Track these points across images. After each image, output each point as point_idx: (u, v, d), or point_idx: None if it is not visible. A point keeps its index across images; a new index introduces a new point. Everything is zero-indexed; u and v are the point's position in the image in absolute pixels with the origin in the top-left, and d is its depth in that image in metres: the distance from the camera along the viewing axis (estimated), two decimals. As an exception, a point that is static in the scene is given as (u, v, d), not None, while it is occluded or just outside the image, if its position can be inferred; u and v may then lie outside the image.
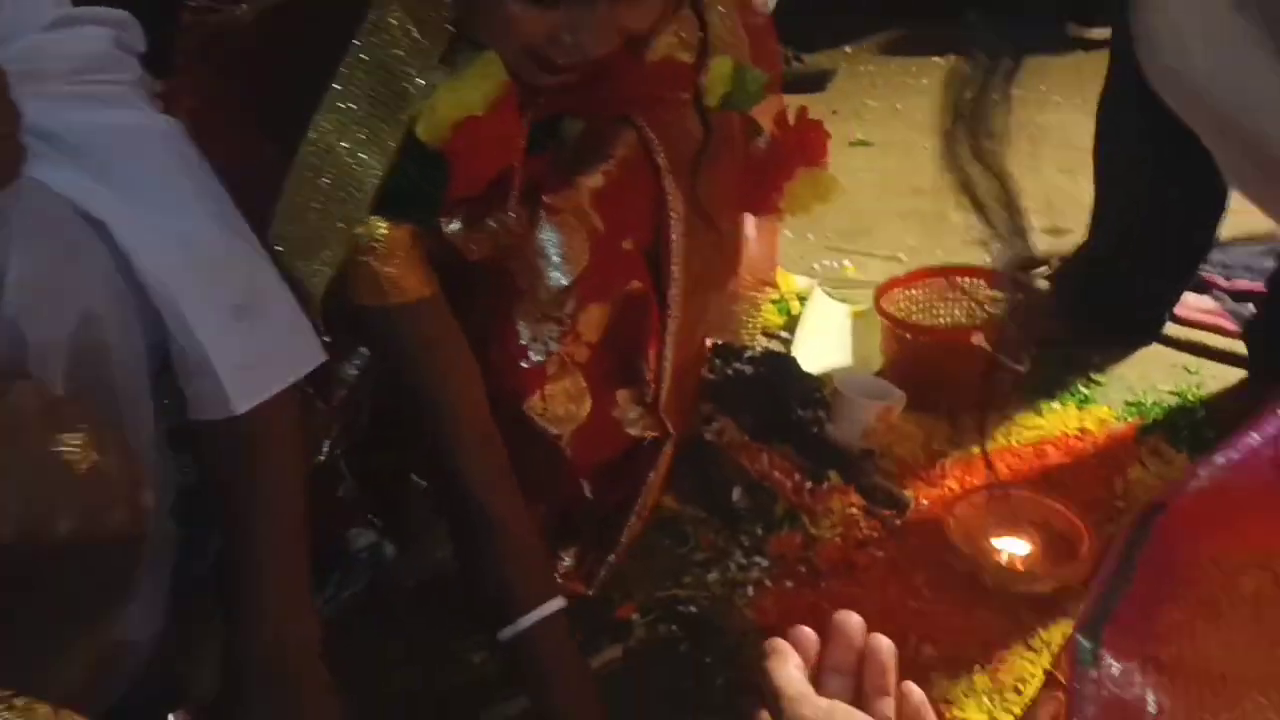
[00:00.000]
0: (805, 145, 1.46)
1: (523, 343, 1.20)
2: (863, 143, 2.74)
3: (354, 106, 1.06)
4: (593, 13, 1.04)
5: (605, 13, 1.05)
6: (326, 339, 1.06)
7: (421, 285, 1.13)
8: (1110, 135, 1.83)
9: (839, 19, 3.36)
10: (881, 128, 2.82)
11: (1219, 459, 0.77)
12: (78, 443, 0.57)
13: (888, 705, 0.64)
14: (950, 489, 1.51)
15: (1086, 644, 0.68)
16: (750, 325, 1.63)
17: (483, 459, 1.15)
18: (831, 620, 0.67)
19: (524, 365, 1.21)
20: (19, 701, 0.52)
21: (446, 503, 1.19)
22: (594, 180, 1.21)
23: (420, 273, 1.13)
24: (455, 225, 1.14)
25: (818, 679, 0.65)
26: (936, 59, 3.21)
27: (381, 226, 1.10)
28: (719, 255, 1.41)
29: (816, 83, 3.04)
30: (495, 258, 1.16)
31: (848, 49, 3.41)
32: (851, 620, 0.67)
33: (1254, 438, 0.76)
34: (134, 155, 0.92)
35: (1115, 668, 0.68)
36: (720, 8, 1.32)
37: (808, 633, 0.66)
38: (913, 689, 0.64)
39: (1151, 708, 0.66)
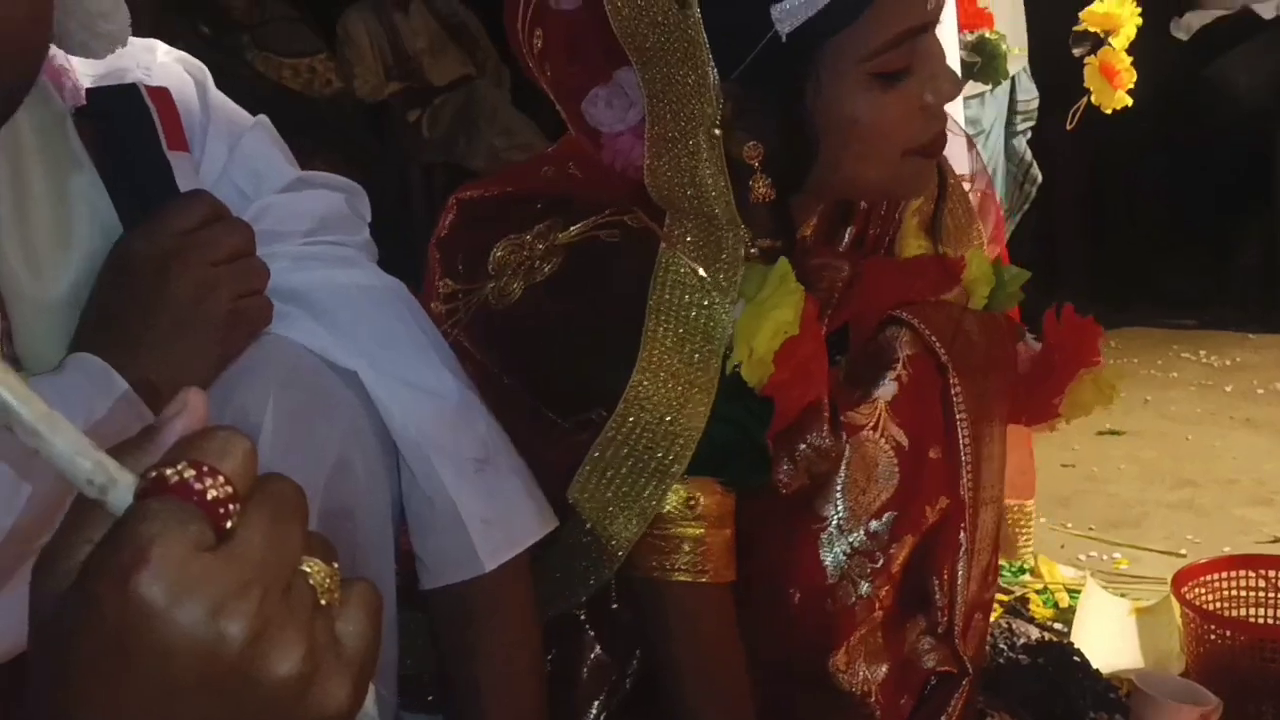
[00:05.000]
0: (1080, 345, 1.29)
1: (829, 581, 1.05)
2: (1113, 432, 2.53)
3: (664, 359, 1.01)
4: (934, 59, 1.01)
5: (936, 42, 1.02)
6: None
7: (723, 569, 1.04)
8: None
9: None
10: (1132, 418, 2.62)
11: None
12: (323, 573, 0.44)
13: None
14: (1296, 824, 1.21)
15: None
16: (1024, 541, 1.43)
17: None
18: None
19: (829, 607, 1.06)
20: None
21: None
22: (888, 390, 1.08)
23: (726, 555, 1.04)
24: None
25: None
26: (1186, 355, 3.03)
27: (705, 492, 1.02)
28: (999, 473, 1.23)
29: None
30: (805, 487, 1.04)
31: (1083, 344, 3.26)
32: None
33: None
34: (373, 311, 0.92)
35: None
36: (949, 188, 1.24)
37: None
38: None
39: None
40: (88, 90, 0.86)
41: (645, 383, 1.00)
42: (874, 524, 1.05)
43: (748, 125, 1.00)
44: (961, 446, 1.11)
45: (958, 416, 1.11)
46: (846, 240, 1.17)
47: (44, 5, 0.75)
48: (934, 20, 1.01)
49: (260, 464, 0.75)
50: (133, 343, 0.79)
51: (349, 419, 0.86)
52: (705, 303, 1.01)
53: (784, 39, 0.96)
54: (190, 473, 0.41)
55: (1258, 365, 2.93)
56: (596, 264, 1.05)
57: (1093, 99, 1.86)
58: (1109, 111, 1.90)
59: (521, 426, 1.00)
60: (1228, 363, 2.97)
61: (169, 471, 0.41)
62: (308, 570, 0.44)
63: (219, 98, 0.96)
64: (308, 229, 0.93)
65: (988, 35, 2.07)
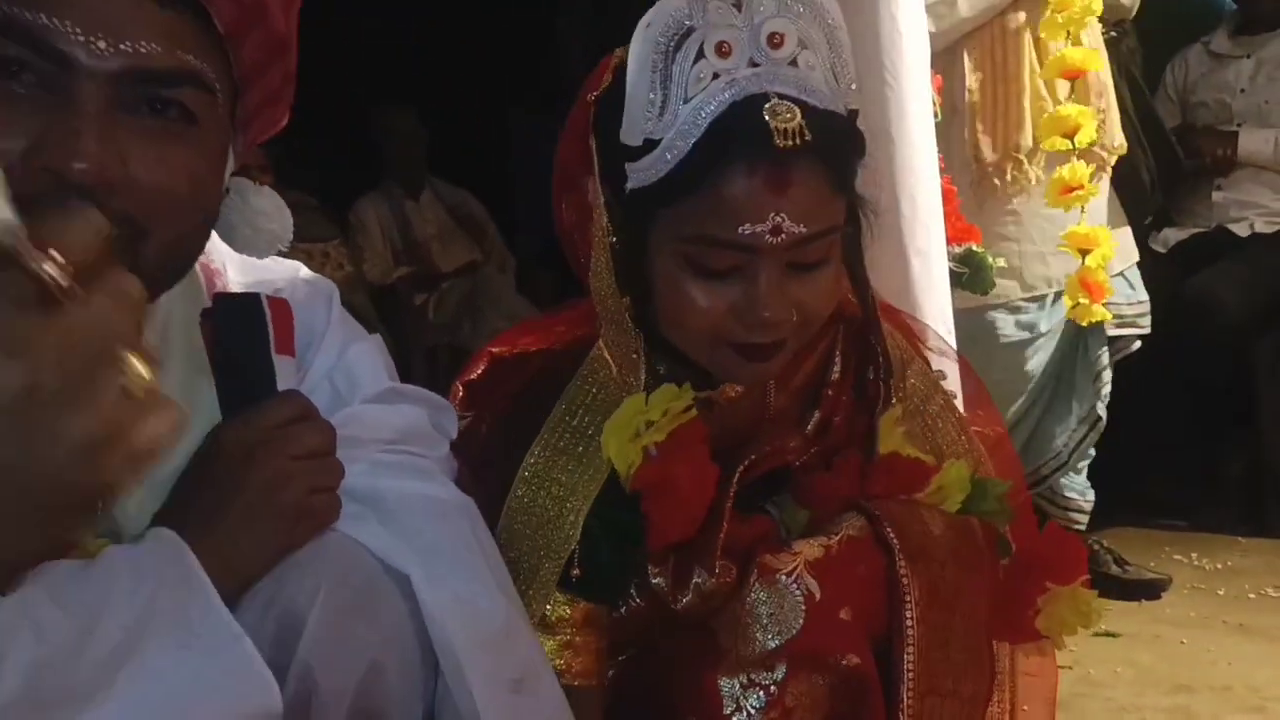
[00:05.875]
0: (1057, 559, 1.30)
1: (727, 712, 1.09)
2: (1109, 634, 2.53)
3: (560, 442, 1.13)
4: (760, 281, 1.07)
5: (775, 281, 1.08)
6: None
7: (588, 673, 1.11)
8: None
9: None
10: (1127, 619, 2.62)
11: None
12: (137, 373, 0.54)
13: None
14: None
15: None
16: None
17: None
18: None
19: None
20: None
21: None
22: (813, 550, 1.15)
23: (591, 660, 1.12)
24: (660, 580, 1.13)
25: None
26: (1178, 557, 3.05)
27: (563, 603, 1.12)
28: (965, 669, 1.21)
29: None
30: (701, 611, 1.11)
31: (1075, 543, 3.28)
32: None
33: None
34: (437, 523, 0.96)
35: None
36: (936, 405, 1.30)
37: None
38: None
39: None
40: (214, 295, 0.96)
41: (542, 462, 1.12)
42: (772, 659, 1.10)
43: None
44: (906, 629, 1.14)
45: (905, 599, 1.14)
46: (812, 424, 1.25)
47: (201, 179, 0.88)
48: (752, 245, 1.05)
49: (298, 657, 0.83)
50: (207, 521, 0.85)
51: (392, 624, 0.88)
52: (611, 401, 1.13)
53: (626, 193, 1.09)
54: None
55: (1248, 570, 2.95)
56: (552, 376, 1.19)
57: (1069, 314, 1.94)
58: (1085, 325, 1.99)
59: None
60: (1219, 566, 2.99)
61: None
62: (125, 366, 0.53)
63: (342, 312, 1.08)
64: (389, 438, 1.00)
65: (974, 249, 2.18)
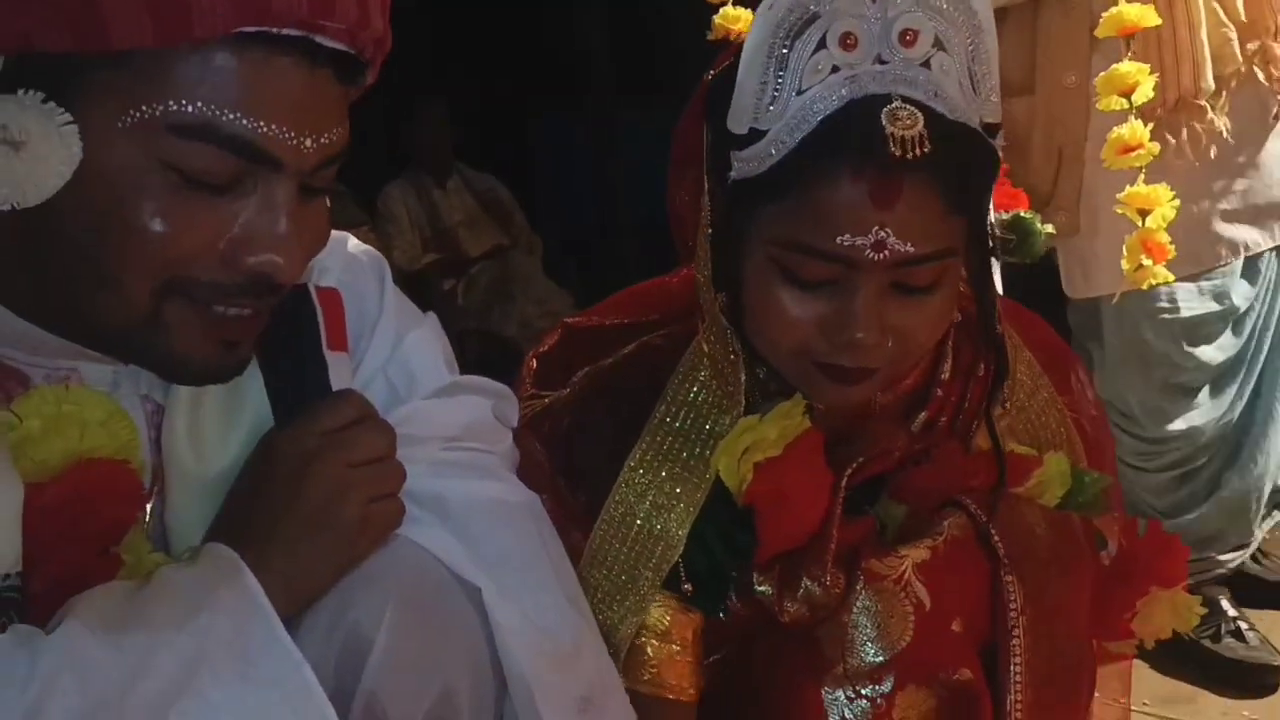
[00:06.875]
0: (1160, 561, 1.28)
1: None
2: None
3: (664, 446, 1.08)
4: (856, 298, 0.98)
5: (872, 301, 0.98)
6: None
7: (684, 686, 1.08)
8: None
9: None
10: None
11: None
12: None
13: None
14: None
15: None
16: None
17: None
18: None
19: None
20: None
21: None
22: (920, 553, 1.09)
23: (688, 673, 1.08)
24: (766, 588, 1.06)
25: None
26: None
27: (670, 609, 1.07)
28: (1068, 674, 1.18)
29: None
30: (806, 622, 1.06)
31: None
32: None
33: None
34: (504, 528, 0.91)
35: None
36: (1041, 399, 1.24)
37: None
38: None
39: None
40: None
41: (644, 468, 1.07)
42: (881, 672, 1.06)
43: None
44: (1011, 642, 1.09)
45: (1009, 608, 1.10)
46: (919, 422, 1.17)
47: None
48: (850, 258, 0.96)
49: (364, 685, 0.80)
50: (265, 537, 0.81)
51: (464, 644, 0.84)
52: (712, 401, 1.08)
53: (729, 184, 1.01)
54: None
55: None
56: (638, 365, 1.14)
57: (1130, 277, 1.85)
58: (1146, 288, 1.91)
59: (573, 536, 1.05)
60: None
61: None
62: None
63: (395, 293, 1.01)
64: (451, 435, 0.95)
65: (1022, 214, 2.11)
